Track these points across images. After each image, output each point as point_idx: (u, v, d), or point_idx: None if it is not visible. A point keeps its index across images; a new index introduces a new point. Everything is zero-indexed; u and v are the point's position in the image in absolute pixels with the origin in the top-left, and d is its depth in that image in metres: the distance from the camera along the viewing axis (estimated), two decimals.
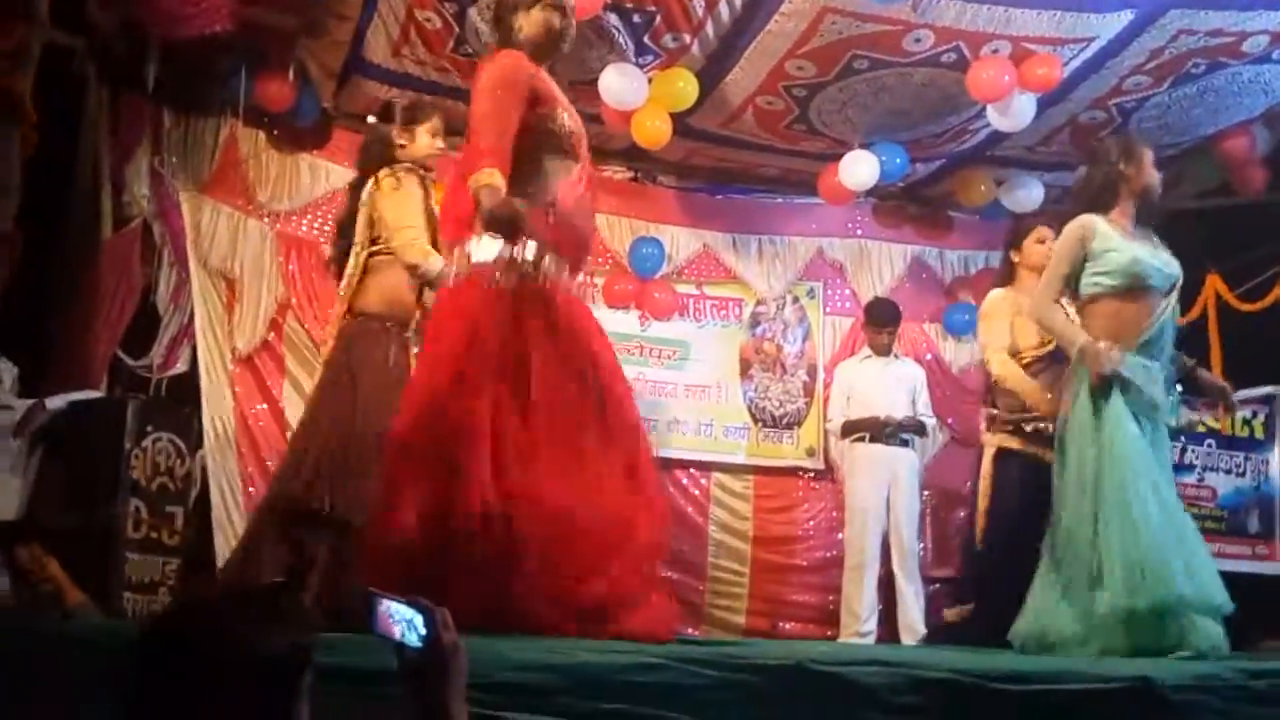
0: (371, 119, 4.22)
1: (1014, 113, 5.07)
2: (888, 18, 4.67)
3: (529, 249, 3.06)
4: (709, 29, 4.89)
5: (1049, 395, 4.24)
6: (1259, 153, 5.61)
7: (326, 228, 5.70)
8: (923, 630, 5.39)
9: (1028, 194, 5.98)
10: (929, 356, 6.37)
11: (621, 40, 4.97)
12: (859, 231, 6.55)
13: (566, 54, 3.46)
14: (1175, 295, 3.77)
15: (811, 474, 6.31)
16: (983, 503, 4.55)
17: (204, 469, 5.16)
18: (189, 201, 5.42)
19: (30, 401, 4.31)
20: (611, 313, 5.95)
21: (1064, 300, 3.84)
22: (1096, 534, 3.52)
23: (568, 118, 3.23)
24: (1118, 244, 3.70)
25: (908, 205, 6.54)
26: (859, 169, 5.62)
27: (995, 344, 4.47)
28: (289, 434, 5.44)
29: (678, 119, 5.33)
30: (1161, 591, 3.37)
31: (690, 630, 5.44)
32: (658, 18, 4.83)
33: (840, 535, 5.93)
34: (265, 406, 5.48)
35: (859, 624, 5.41)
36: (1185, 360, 3.91)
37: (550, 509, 2.90)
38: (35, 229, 4.26)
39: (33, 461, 4.27)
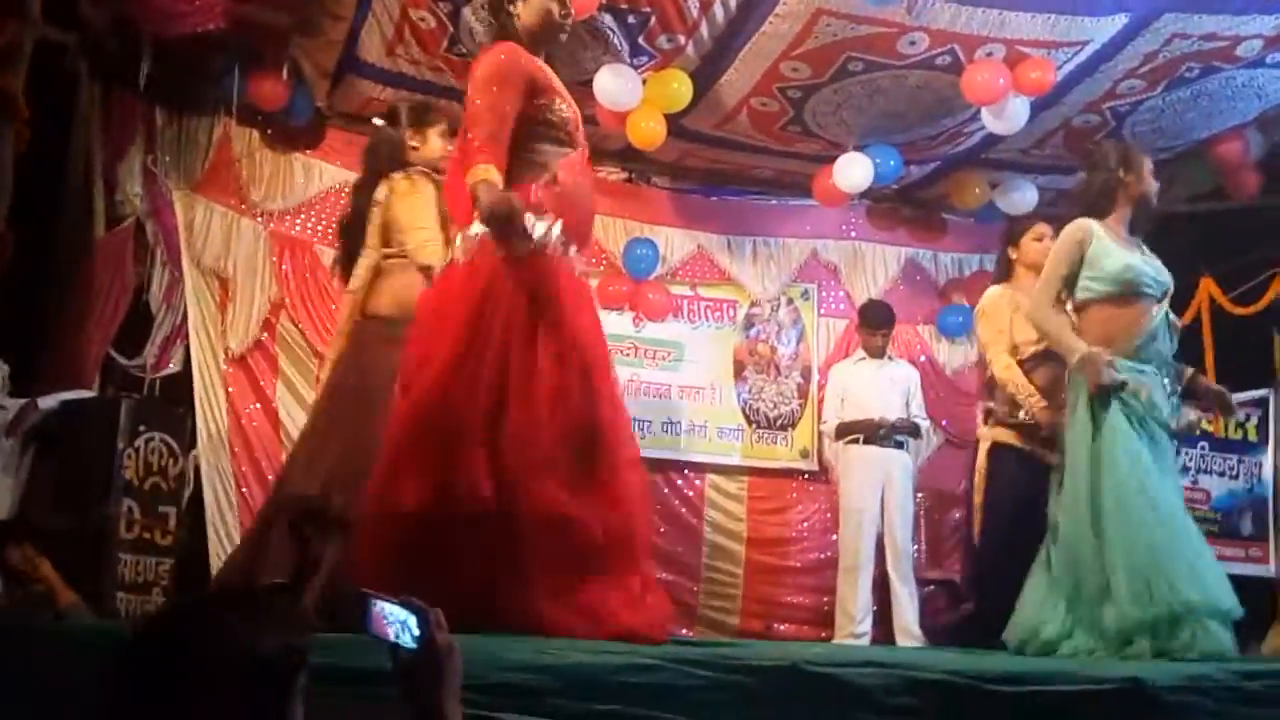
0: (378, 121, 4.21)
1: (1008, 116, 5.08)
2: (882, 20, 4.68)
3: (536, 228, 3.06)
4: (703, 30, 4.89)
5: (1046, 404, 4.26)
6: (1252, 157, 5.63)
7: (320, 227, 5.72)
8: (918, 631, 5.39)
9: (1022, 197, 5.99)
10: (923, 358, 6.38)
11: (616, 41, 4.96)
12: (853, 233, 6.56)
13: (561, 54, 3.46)
14: (1167, 302, 3.78)
15: (806, 475, 6.32)
16: (978, 497, 4.56)
17: (197, 469, 5.16)
18: (182, 200, 5.42)
19: (22, 401, 4.30)
20: (606, 314, 5.93)
21: (1066, 305, 3.85)
22: (1100, 545, 3.53)
23: (565, 107, 3.23)
24: (1111, 250, 3.71)
25: (902, 208, 6.55)
26: (853, 171, 5.62)
27: (997, 344, 4.47)
28: (283, 432, 5.47)
29: (672, 120, 5.33)
30: (1169, 600, 3.38)
31: (684, 631, 5.44)
32: (652, 19, 4.83)
33: (834, 537, 5.93)
34: (258, 406, 5.47)
35: (853, 625, 5.41)
36: (1184, 369, 3.92)
37: (547, 504, 2.90)
38: (27, 227, 4.25)
39: (25, 461, 4.26)
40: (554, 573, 2.89)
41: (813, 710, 2.24)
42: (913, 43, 4.83)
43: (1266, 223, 5.67)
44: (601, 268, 6.03)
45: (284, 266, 5.59)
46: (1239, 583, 3.70)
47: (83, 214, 5.01)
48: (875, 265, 6.54)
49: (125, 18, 4.69)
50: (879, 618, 5.55)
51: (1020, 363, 4.41)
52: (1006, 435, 4.45)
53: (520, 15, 3.23)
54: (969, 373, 6.36)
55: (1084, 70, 5.04)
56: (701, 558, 6.11)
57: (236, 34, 4.77)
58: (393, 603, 1.42)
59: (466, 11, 4.74)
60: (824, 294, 6.52)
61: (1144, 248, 3.85)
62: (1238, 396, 5.68)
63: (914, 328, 6.46)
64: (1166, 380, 3.73)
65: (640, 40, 4.98)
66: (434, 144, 3.97)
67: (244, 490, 5.31)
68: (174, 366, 5.34)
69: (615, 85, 5.03)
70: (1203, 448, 5.96)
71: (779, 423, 6.32)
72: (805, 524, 6.26)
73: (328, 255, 5.67)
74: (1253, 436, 6.10)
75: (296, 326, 5.58)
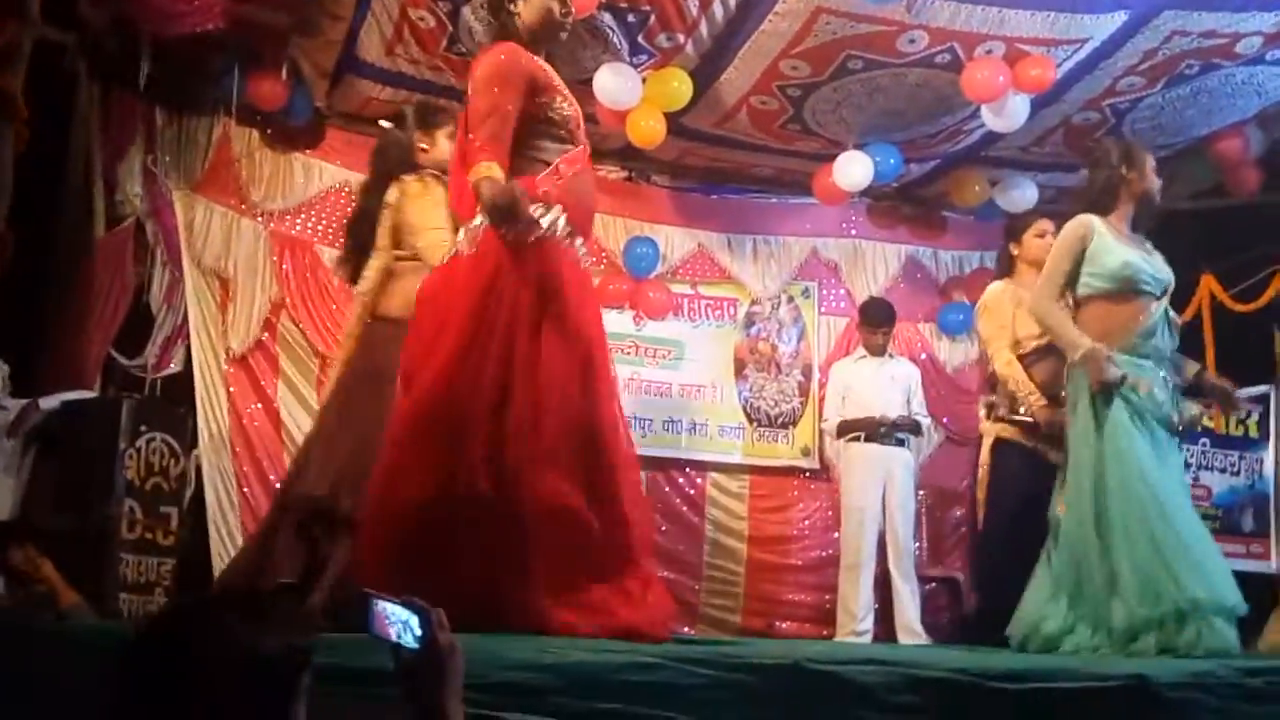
0: (385, 123, 4.22)
1: (1008, 113, 5.08)
2: (882, 18, 4.67)
3: (542, 217, 3.06)
4: (703, 28, 4.89)
5: (1045, 402, 4.26)
6: (1252, 154, 5.63)
7: (320, 227, 5.72)
8: (919, 629, 5.39)
9: (1022, 194, 5.99)
10: (924, 356, 6.38)
11: (616, 40, 4.96)
12: (853, 231, 6.56)
13: (561, 53, 3.46)
14: (1167, 299, 3.78)
15: (807, 474, 6.32)
16: (981, 493, 4.57)
17: (198, 469, 5.16)
18: (182, 200, 5.42)
19: (24, 401, 4.30)
20: (606, 313, 5.92)
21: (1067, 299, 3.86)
22: (1104, 541, 3.53)
23: (567, 105, 3.23)
24: (1113, 247, 3.72)
25: (902, 205, 6.55)
26: (853, 169, 5.62)
27: (998, 340, 4.47)
28: (285, 432, 5.47)
29: (672, 119, 5.33)
30: (1176, 598, 3.38)
31: (686, 629, 5.44)
32: (652, 17, 4.83)
33: (836, 534, 5.93)
34: (260, 406, 5.47)
35: (855, 623, 5.41)
36: (1188, 364, 3.93)
37: (549, 498, 2.91)
38: (27, 227, 4.25)
39: (26, 462, 4.26)
40: (556, 572, 2.89)
41: (815, 709, 2.24)
42: (912, 41, 4.83)
43: (1267, 219, 5.67)
44: (602, 266, 6.03)
45: (284, 266, 5.59)
46: (1240, 579, 3.70)
47: (82, 214, 5.01)
48: (876, 263, 6.54)
49: (124, 18, 4.69)
50: (880, 615, 5.55)
51: (1021, 358, 4.41)
52: (1010, 431, 4.45)
53: (521, 14, 3.23)
54: (970, 370, 6.36)
55: (1083, 68, 5.03)
56: (703, 556, 6.11)
57: (235, 34, 4.77)
58: (394, 603, 1.42)
59: (466, 11, 4.73)
60: (824, 292, 6.52)
61: (1147, 245, 3.85)
62: (1239, 393, 5.68)
63: (914, 325, 6.46)
64: (1165, 376, 3.73)
65: (640, 39, 4.98)
66: (443, 146, 3.97)
67: (245, 490, 5.32)
68: (175, 367, 5.34)
69: (615, 84, 5.03)
70: (1204, 444, 5.96)
71: (780, 421, 6.32)
72: (806, 522, 6.26)
73: (328, 255, 5.69)
74: (1254, 433, 6.10)
75: (297, 326, 5.58)
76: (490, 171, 3.00)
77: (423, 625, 1.40)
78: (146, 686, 1.26)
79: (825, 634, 5.76)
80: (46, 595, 3.59)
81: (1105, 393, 3.60)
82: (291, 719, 1.29)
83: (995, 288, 4.65)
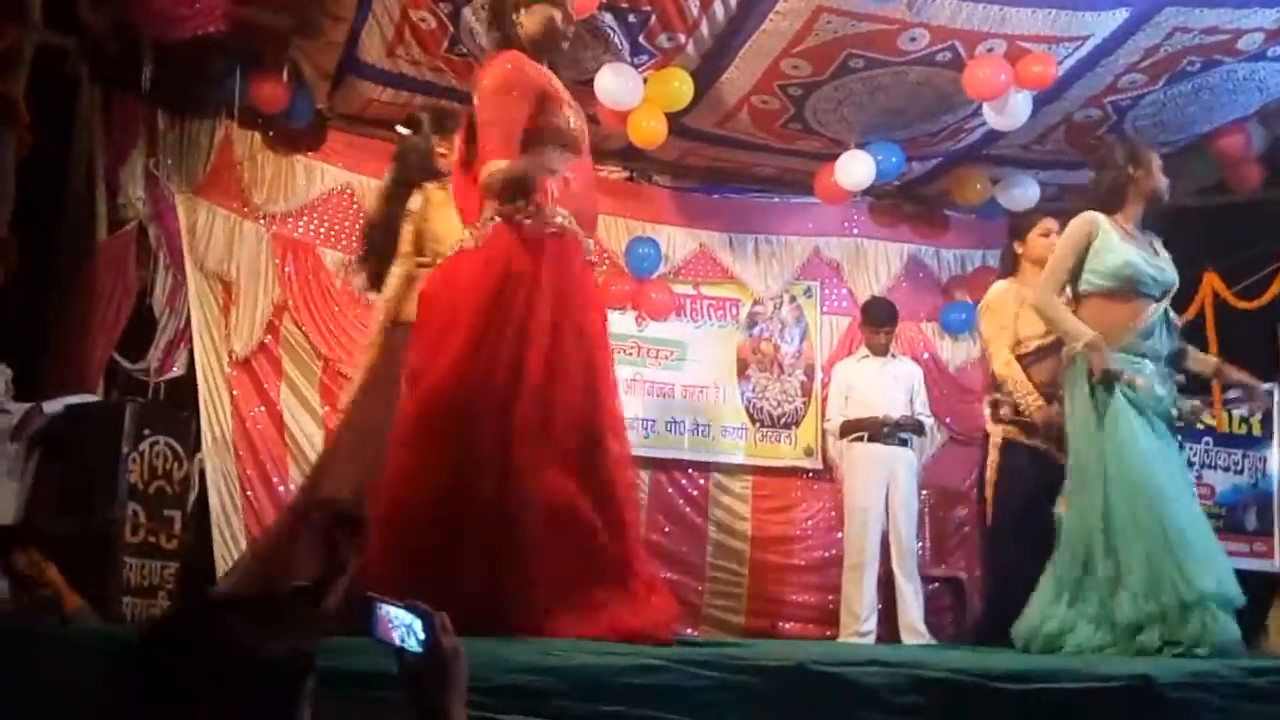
0: (402, 129, 4.23)
1: (1010, 111, 5.08)
2: (883, 17, 4.67)
3: (550, 211, 3.07)
4: (704, 28, 4.89)
5: (1043, 403, 4.27)
6: (1254, 150, 5.62)
7: (322, 229, 5.73)
8: (923, 629, 5.39)
9: (1024, 192, 5.98)
10: (926, 355, 6.37)
11: (616, 40, 4.96)
12: (855, 231, 6.55)
13: (562, 55, 3.46)
14: (1167, 301, 3.78)
15: (810, 474, 6.32)
16: (989, 492, 4.56)
17: (202, 472, 5.16)
18: (184, 203, 5.42)
19: (27, 405, 4.30)
20: (608, 313, 5.93)
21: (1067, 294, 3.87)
22: (1108, 532, 3.53)
23: (573, 117, 3.24)
24: (1115, 245, 3.72)
25: (904, 204, 6.55)
26: (855, 169, 5.62)
27: (998, 340, 4.48)
28: (288, 435, 5.48)
29: (673, 119, 5.33)
30: (1181, 590, 3.38)
31: (689, 630, 5.44)
32: (653, 18, 4.83)
33: (839, 535, 5.93)
34: (263, 409, 5.48)
35: (858, 624, 5.41)
36: (1207, 358, 3.93)
37: (554, 499, 2.91)
38: (29, 232, 4.25)
39: (30, 465, 4.26)
40: (560, 574, 2.89)
41: (819, 710, 2.23)
42: (913, 39, 4.83)
43: (1269, 216, 5.66)
44: (604, 267, 6.03)
45: (287, 269, 5.60)
46: (1243, 578, 3.70)
47: (85, 218, 5.02)
48: (878, 262, 6.53)
49: (126, 21, 4.69)
50: (884, 615, 5.54)
51: (1023, 357, 4.41)
52: (1016, 432, 4.46)
53: (523, 24, 3.23)
54: (972, 369, 6.36)
55: (1085, 65, 5.03)
56: (706, 557, 6.11)
57: (237, 37, 4.77)
58: (398, 606, 1.42)
59: (467, 12, 4.74)
60: (827, 291, 6.52)
61: (1155, 244, 3.86)
62: (1240, 392, 5.68)
63: (917, 325, 6.46)
64: (1163, 373, 3.74)
65: (641, 39, 4.98)
66: None
67: (249, 493, 5.32)
68: (178, 370, 5.34)
69: (616, 84, 5.03)
70: (1207, 443, 5.96)
71: (783, 421, 6.32)
72: (809, 522, 6.26)
73: (330, 257, 5.70)
74: (1257, 431, 6.09)
75: (300, 329, 5.58)
76: (500, 165, 3.01)
77: (426, 629, 1.40)
78: (150, 690, 1.26)
79: (829, 634, 5.76)
80: (50, 599, 3.60)
81: (1106, 383, 3.61)
82: None
83: (998, 287, 4.65)
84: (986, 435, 4.69)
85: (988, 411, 4.67)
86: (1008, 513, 4.46)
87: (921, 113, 5.46)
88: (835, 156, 5.71)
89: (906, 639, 5.32)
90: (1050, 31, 4.77)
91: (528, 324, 3.01)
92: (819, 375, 6.34)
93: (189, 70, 5.09)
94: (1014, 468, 4.45)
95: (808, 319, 6.45)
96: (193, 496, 4.95)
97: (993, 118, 5.18)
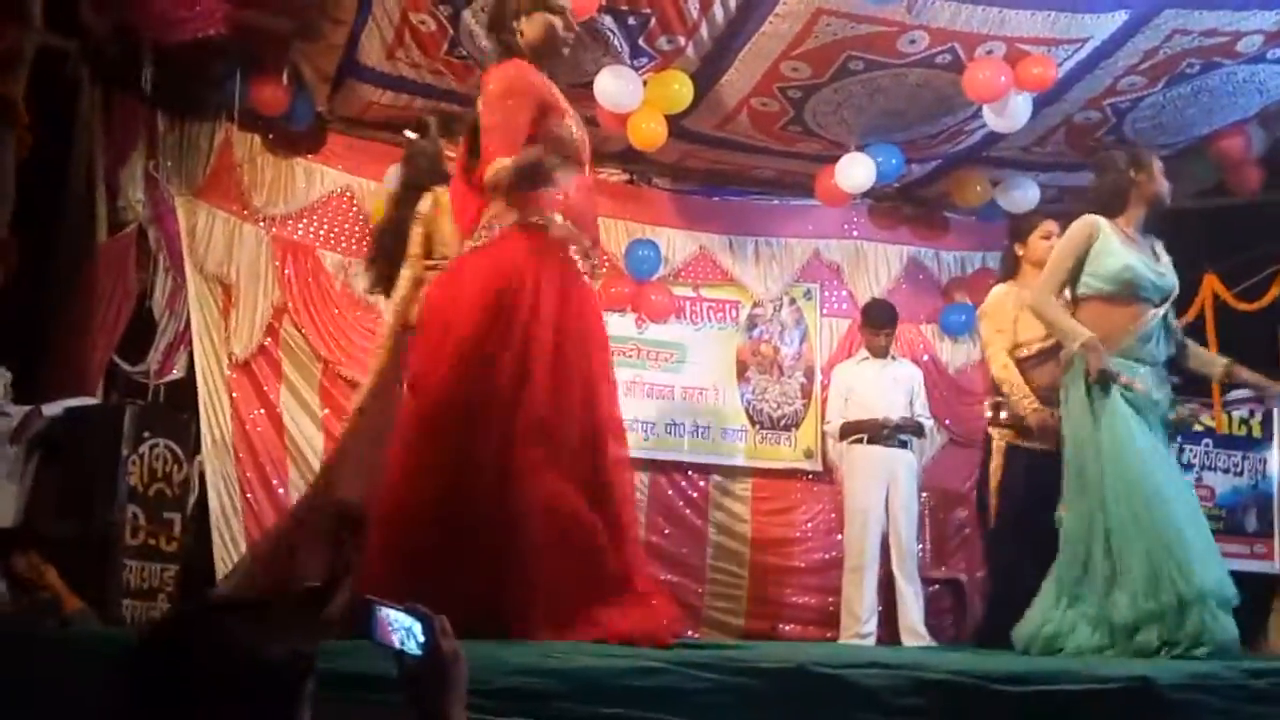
0: (410, 133, 4.24)
1: (1010, 113, 5.08)
2: (882, 19, 4.68)
3: (539, 216, 3.08)
4: (703, 31, 4.89)
5: (1037, 406, 4.28)
6: (1254, 152, 5.62)
7: (322, 232, 5.73)
8: (923, 631, 5.39)
9: (1023, 194, 5.98)
10: (926, 358, 6.37)
11: (616, 43, 4.97)
12: (855, 233, 6.55)
13: (565, 59, 3.47)
14: (1167, 306, 3.78)
15: (810, 476, 6.31)
16: (994, 500, 4.57)
17: (202, 475, 5.16)
18: (184, 206, 5.42)
19: (26, 408, 4.30)
20: (608, 315, 5.92)
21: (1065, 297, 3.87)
22: (1107, 535, 3.53)
23: (575, 128, 3.25)
24: (1115, 250, 3.73)
25: (904, 206, 6.55)
26: (855, 172, 5.62)
27: (996, 343, 4.49)
28: (288, 437, 5.48)
29: (673, 121, 5.33)
30: (1183, 587, 3.38)
31: (690, 633, 5.43)
32: (652, 20, 4.83)
33: (839, 537, 5.93)
34: (263, 412, 5.48)
35: (859, 625, 5.40)
36: (1219, 360, 3.94)
37: (555, 504, 2.91)
38: (29, 234, 4.25)
39: (29, 468, 4.25)
40: (560, 579, 2.89)
41: (819, 712, 2.23)
42: (913, 41, 4.83)
43: (1269, 218, 5.66)
44: (604, 269, 6.01)
45: (286, 271, 5.60)
46: (1244, 580, 3.70)
47: (85, 220, 5.02)
48: (878, 264, 6.53)
49: (126, 24, 4.70)
50: (884, 617, 5.54)
51: (1023, 360, 4.42)
52: (1020, 436, 4.46)
53: (524, 32, 3.24)
54: (972, 371, 6.36)
55: (1084, 67, 5.03)
56: (706, 559, 6.10)
57: (237, 39, 4.78)
58: (397, 609, 1.42)
59: (466, 14, 4.74)
60: (826, 294, 6.51)
61: (1157, 249, 3.86)
62: (1241, 393, 5.69)
63: (917, 327, 6.46)
64: (1159, 378, 3.74)
65: (640, 42, 4.98)
66: None
67: (248, 496, 5.32)
68: (178, 372, 5.34)
69: (616, 87, 5.03)
70: (1207, 444, 5.96)
71: (782, 423, 6.31)
72: (810, 524, 6.26)
73: (330, 260, 5.70)
74: (1257, 433, 6.09)
75: (299, 331, 5.58)
76: (506, 161, 3.03)
77: (426, 632, 1.40)
78: (149, 692, 1.26)
79: (829, 636, 5.76)
80: (50, 601, 3.59)
81: (1102, 384, 3.61)
82: None
83: (998, 290, 4.66)
84: (988, 438, 4.70)
85: (989, 415, 4.68)
86: (1009, 516, 4.46)
87: (921, 115, 5.46)
88: (835, 159, 5.71)
89: (907, 641, 5.32)
90: (1049, 34, 4.77)
91: (530, 328, 3.02)
92: (819, 377, 6.34)
93: (189, 73, 5.09)
94: (1016, 471, 4.45)
95: (807, 321, 6.45)
96: (192, 499, 4.94)
97: (993, 120, 5.18)
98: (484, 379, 2.97)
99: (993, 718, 2.35)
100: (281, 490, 5.41)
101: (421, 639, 1.39)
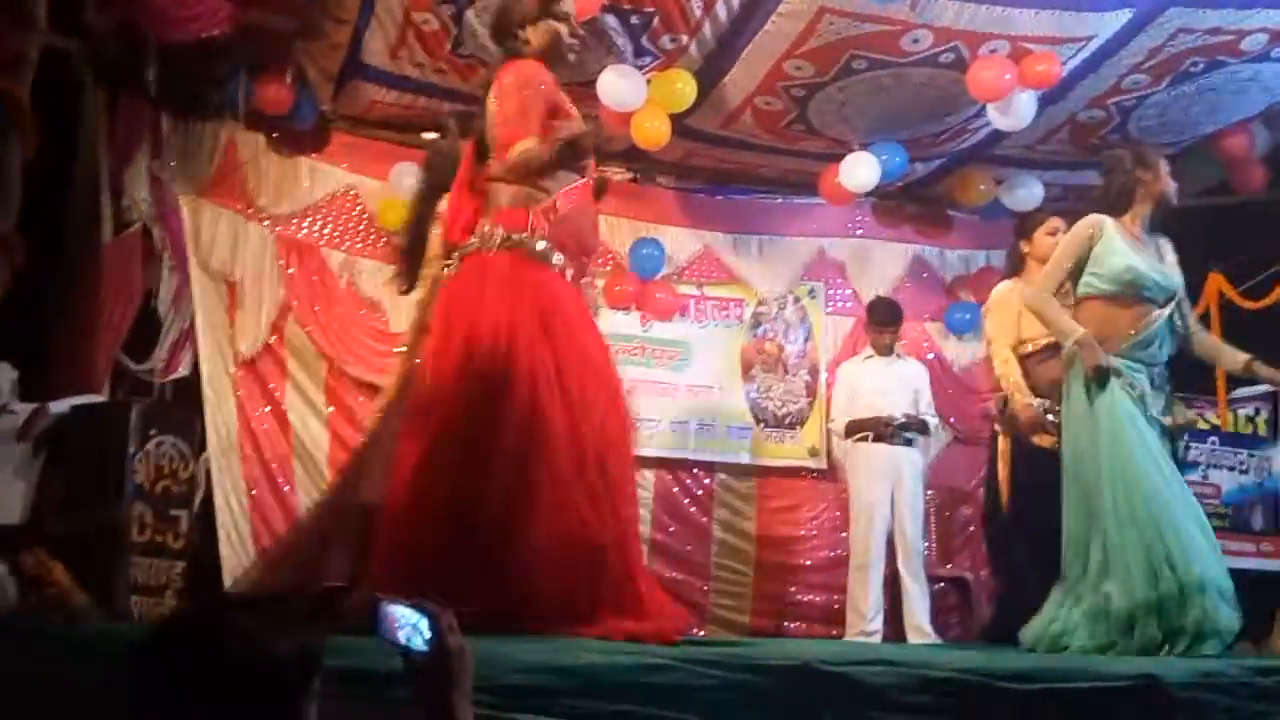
0: (428, 135, 4.25)
1: (1015, 111, 5.07)
2: (886, 18, 4.67)
3: (526, 238, 3.09)
4: (706, 30, 4.89)
5: (1030, 401, 4.29)
6: (1258, 151, 5.62)
7: (326, 230, 5.73)
8: (929, 629, 5.39)
9: (1028, 193, 5.98)
10: (931, 356, 6.36)
11: (619, 42, 4.97)
12: (859, 231, 6.55)
13: (570, 66, 3.49)
14: (1171, 307, 3.78)
15: (815, 474, 6.31)
16: (1004, 492, 4.57)
17: (208, 472, 5.17)
18: (189, 205, 5.43)
19: (33, 406, 4.31)
20: (612, 314, 5.95)
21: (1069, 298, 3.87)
22: (1103, 525, 3.53)
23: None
24: (1118, 250, 3.73)
25: (907, 205, 6.54)
26: (860, 171, 5.62)
27: (1000, 339, 4.51)
28: (293, 435, 5.48)
29: (676, 120, 5.33)
30: (1183, 574, 3.38)
31: (695, 630, 5.44)
32: (655, 19, 4.83)
33: (844, 534, 5.92)
34: (268, 409, 5.49)
35: (864, 623, 5.40)
36: (1237, 354, 3.94)
37: (561, 507, 2.91)
38: (35, 233, 4.25)
39: (36, 466, 4.27)
40: (564, 580, 2.89)
41: (825, 709, 2.24)
42: (916, 40, 4.82)
43: (1273, 217, 5.65)
44: (608, 268, 6.03)
45: (291, 270, 5.61)
46: (1250, 578, 3.70)
47: (90, 219, 5.02)
48: (882, 263, 6.52)
49: (130, 24, 4.70)
50: (890, 615, 5.54)
51: (1028, 357, 4.43)
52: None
53: (530, 40, 3.25)
54: (977, 370, 6.35)
55: (1089, 66, 5.03)
56: (711, 556, 6.10)
57: (241, 39, 4.78)
58: (404, 605, 1.43)
59: (469, 14, 4.74)
60: (831, 292, 6.51)
61: (1163, 248, 3.86)
62: (1246, 391, 5.68)
63: (921, 325, 6.45)
64: (1158, 380, 3.74)
65: (644, 41, 4.98)
66: None
67: (254, 493, 5.33)
68: (183, 370, 5.35)
69: (619, 86, 5.03)
70: (1213, 442, 5.95)
71: (787, 421, 6.31)
72: (815, 522, 6.26)
73: (334, 258, 5.71)
74: (1263, 431, 6.08)
75: (304, 330, 5.59)
76: (532, 141, 3.03)
77: (432, 627, 1.40)
78: (157, 689, 1.26)
79: (834, 634, 5.75)
80: (57, 598, 3.60)
81: (1100, 379, 3.62)
82: None
83: (1003, 287, 4.67)
84: (993, 435, 4.70)
85: (995, 412, 4.69)
86: (1013, 513, 4.47)
87: (925, 113, 5.45)
88: (839, 157, 5.71)
89: (912, 639, 5.32)
90: (1053, 32, 4.76)
91: (529, 339, 3.03)
92: (823, 375, 6.34)
93: (193, 72, 5.10)
94: (1022, 469, 4.45)
95: (812, 319, 6.45)
96: (199, 496, 4.94)
97: (997, 118, 5.18)
98: (489, 380, 2.97)
99: (999, 715, 2.35)
100: (287, 488, 5.42)
101: (427, 634, 1.40)
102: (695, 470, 6.19)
